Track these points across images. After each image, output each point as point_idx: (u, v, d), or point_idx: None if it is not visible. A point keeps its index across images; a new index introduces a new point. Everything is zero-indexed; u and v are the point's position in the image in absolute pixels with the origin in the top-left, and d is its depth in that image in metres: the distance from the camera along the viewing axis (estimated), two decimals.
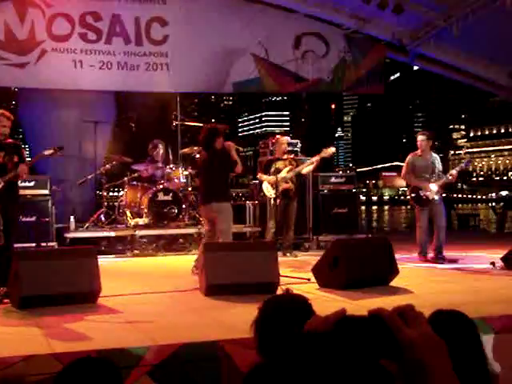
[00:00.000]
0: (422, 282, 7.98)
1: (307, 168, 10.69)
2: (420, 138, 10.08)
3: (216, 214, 8.42)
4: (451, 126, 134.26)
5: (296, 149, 12.04)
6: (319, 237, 11.76)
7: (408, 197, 10.22)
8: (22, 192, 8.32)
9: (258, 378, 1.08)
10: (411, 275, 8.29)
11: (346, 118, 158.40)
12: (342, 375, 1.01)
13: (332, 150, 10.70)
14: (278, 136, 11.50)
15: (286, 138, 11.37)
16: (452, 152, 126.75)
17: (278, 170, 10.62)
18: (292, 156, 11.06)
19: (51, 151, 7.65)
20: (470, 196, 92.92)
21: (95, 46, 12.24)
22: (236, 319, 5.49)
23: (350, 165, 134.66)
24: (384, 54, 14.23)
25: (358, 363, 1.04)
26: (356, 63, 13.80)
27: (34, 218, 10.46)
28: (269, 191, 10.58)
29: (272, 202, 10.56)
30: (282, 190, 10.44)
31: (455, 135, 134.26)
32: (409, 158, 10.06)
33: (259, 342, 2.45)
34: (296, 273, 8.20)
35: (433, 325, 1.18)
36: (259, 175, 10.96)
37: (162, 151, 12.10)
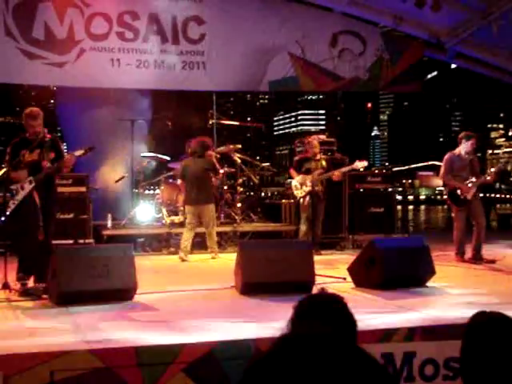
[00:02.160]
0: (459, 282, 7.88)
1: (337, 175, 10.62)
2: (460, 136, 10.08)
3: (207, 210, 10.20)
4: (489, 125, 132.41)
5: (332, 147, 12.02)
6: (355, 236, 11.72)
7: (445, 196, 10.12)
8: (59, 189, 8.42)
9: (258, 371, 1.10)
10: (448, 276, 8.20)
11: (382, 117, 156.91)
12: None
13: (364, 163, 10.80)
14: (311, 138, 11.39)
15: (319, 138, 11.40)
16: (490, 151, 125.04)
17: (309, 171, 10.61)
18: (325, 156, 11.00)
19: (82, 151, 7.59)
20: (508, 196, 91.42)
21: (132, 44, 12.32)
22: (271, 317, 5.48)
23: (386, 164, 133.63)
24: (421, 52, 14.08)
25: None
26: (393, 61, 13.67)
27: (71, 216, 10.60)
28: (297, 189, 10.60)
29: (301, 200, 10.59)
30: (312, 191, 10.44)
31: (493, 134, 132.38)
32: (447, 157, 9.94)
33: None
34: (331, 272, 8.17)
35: (475, 326, 1.17)
36: (291, 171, 10.97)
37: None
